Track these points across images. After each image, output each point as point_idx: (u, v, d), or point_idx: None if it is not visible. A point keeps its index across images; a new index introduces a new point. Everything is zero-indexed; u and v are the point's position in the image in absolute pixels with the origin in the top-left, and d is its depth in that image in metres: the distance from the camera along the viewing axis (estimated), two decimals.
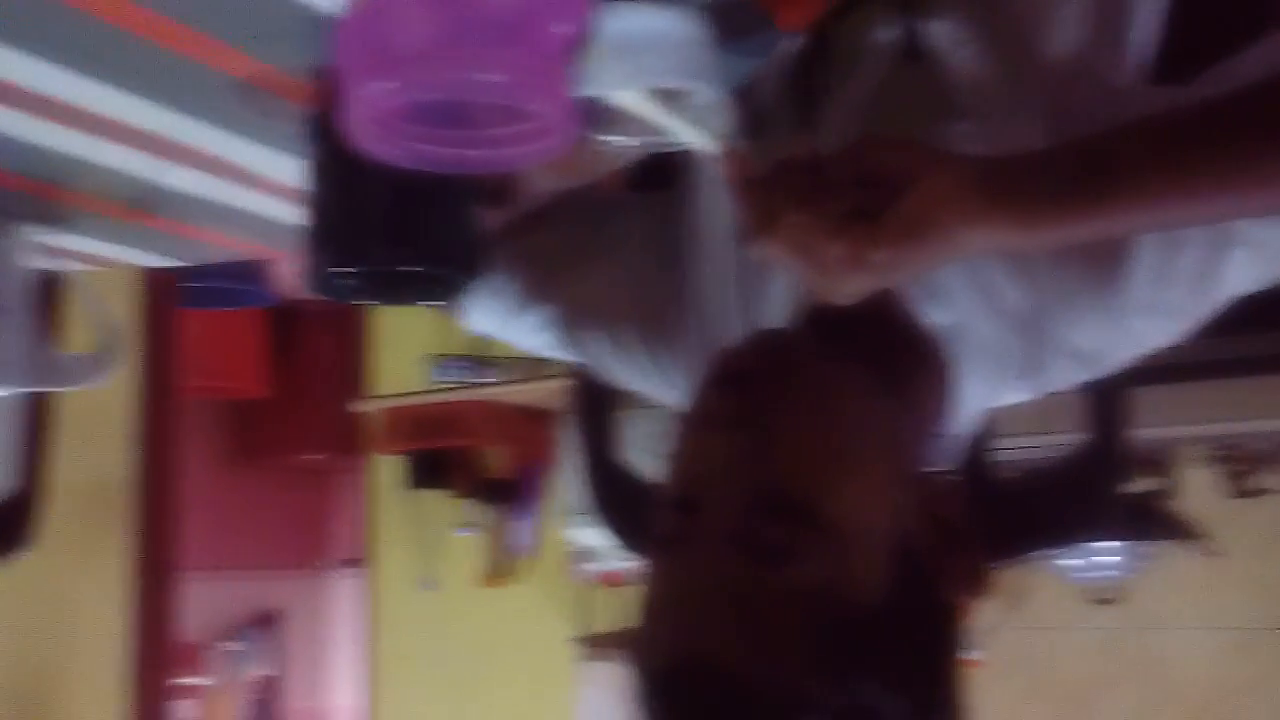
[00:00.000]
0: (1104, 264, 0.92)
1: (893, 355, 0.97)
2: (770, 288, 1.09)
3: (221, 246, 1.35)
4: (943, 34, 1.02)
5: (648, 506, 1.48)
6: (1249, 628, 2.93)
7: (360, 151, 0.72)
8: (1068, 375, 1.01)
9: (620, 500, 1.48)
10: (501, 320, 1.25)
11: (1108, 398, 1.31)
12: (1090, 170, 0.81)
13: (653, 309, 1.20)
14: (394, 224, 0.92)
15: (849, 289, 0.86)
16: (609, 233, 1.25)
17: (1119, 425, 1.33)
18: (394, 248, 0.93)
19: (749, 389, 0.88)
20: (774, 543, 0.81)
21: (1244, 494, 2.87)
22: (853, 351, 0.92)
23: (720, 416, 0.88)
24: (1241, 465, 2.86)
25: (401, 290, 1.04)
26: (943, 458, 1.03)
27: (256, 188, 1.15)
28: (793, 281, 1.06)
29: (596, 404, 1.55)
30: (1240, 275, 0.91)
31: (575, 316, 1.23)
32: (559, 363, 1.35)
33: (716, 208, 1.15)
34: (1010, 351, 0.99)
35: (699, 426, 0.90)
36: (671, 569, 0.86)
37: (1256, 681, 2.92)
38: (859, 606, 0.82)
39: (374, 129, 0.69)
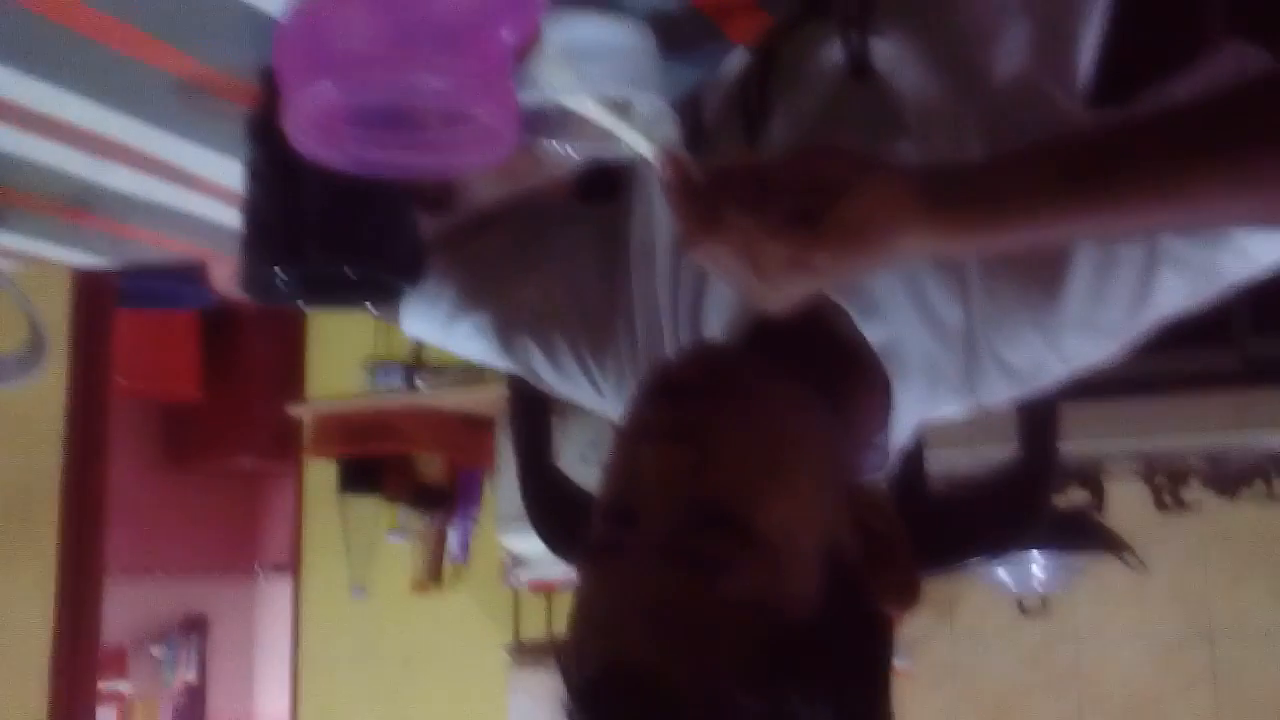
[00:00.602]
0: (1041, 282, 0.93)
1: (831, 369, 0.97)
2: (707, 300, 1.10)
3: (158, 247, 1.33)
4: (888, 53, 1.03)
5: (582, 514, 1.49)
6: (1173, 639, 2.99)
7: (300, 154, 0.72)
8: (1001, 391, 1.02)
9: (554, 507, 1.48)
10: (437, 326, 1.25)
11: (1040, 411, 1.32)
12: (1020, 180, 0.82)
13: (588, 318, 1.20)
14: (332, 227, 0.91)
15: (787, 293, 0.87)
16: (547, 241, 1.25)
17: (1051, 438, 1.34)
18: (331, 251, 0.92)
19: (687, 401, 0.88)
20: (708, 555, 0.81)
21: (1170, 508, 2.91)
22: (791, 365, 0.93)
23: (657, 428, 0.88)
24: (1167, 480, 2.90)
25: (339, 294, 1.04)
26: (877, 470, 1.04)
27: (195, 188, 1.14)
28: (730, 295, 1.06)
29: (532, 410, 1.54)
30: (1170, 295, 0.93)
31: (509, 324, 1.23)
32: (496, 369, 1.35)
33: (656, 218, 1.15)
34: (946, 367, 1.00)
35: (635, 437, 0.90)
36: (605, 579, 0.86)
37: (1179, 692, 2.97)
38: (791, 618, 0.82)
39: (315, 132, 0.69)
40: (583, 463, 2.63)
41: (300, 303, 1.02)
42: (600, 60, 0.82)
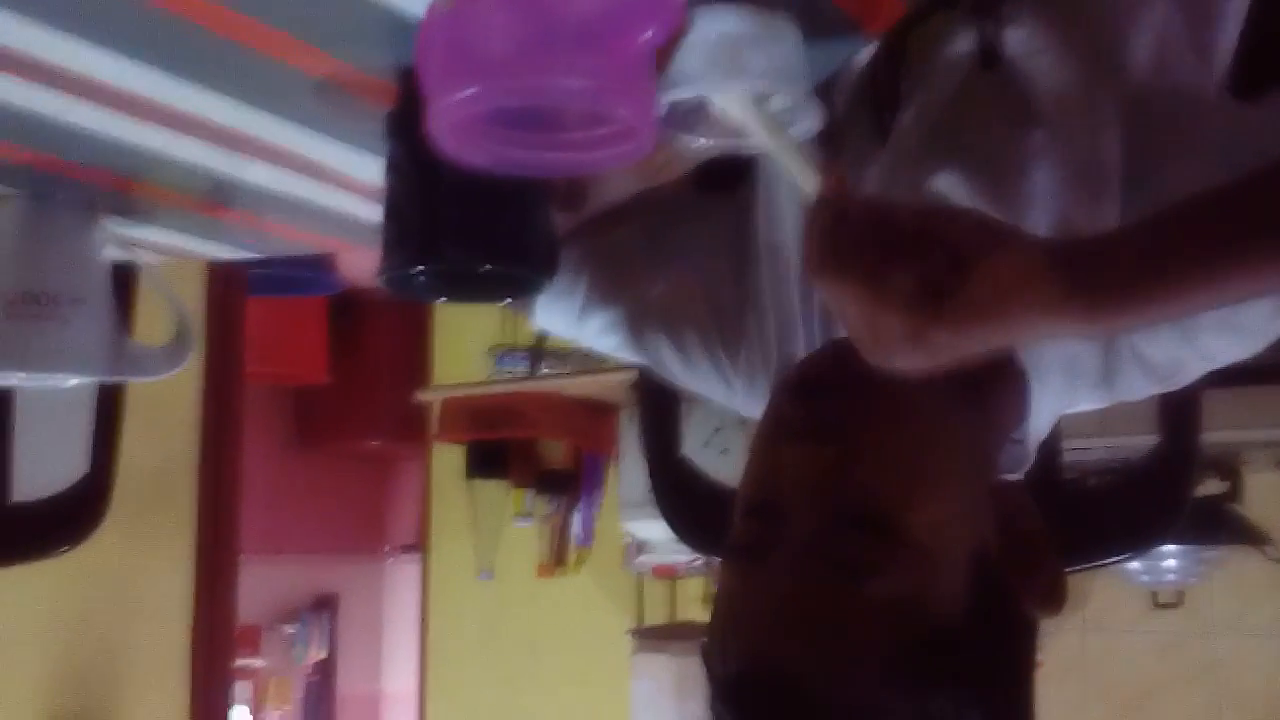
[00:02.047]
0: None
1: (970, 366, 0.96)
2: None
3: (294, 240, 1.36)
4: (1020, 41, 1.01)
5: (711, 504, 1.48)
6: None
7: (439, 152, 0.72)
8: (1141, 388, 0.99)
9: (684, 498, 1.48)
10: (570, 320, 1.25)
11: (1181, 401, 1.29)
12: (1161, 257, 0.75)
13: (719, 313, 1.20)
14: (470, 225, 0.92)
15: (903, 364, 0.82)
16: (678, 235, 1.24)
17: (1193, 430, 1.31)
18: (469, 248, 0.93)
19: (831, 399, 0.87)
20: (854, 557, 0.81)
21: None
22: None
23: (799, 427, 0.87)
24: None
25: (475, 289, 1.05)
26: (1018, 467, 1.02)
27: (332, 183, 1.16)
28: None
29: (660, 402, 1.55)
30: None
31: (640, 318, 1.23)
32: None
33: (783, 217, 1.14)
34: (1084, 362, 0.98)
35: (776, 436, 0.89)
36: (748, 578, 0.86)
37: None
38: (939, 621, 0.81)
39: (457, 133, 0.69)
40: (706, 449, 2.63)
41: (438, 297, 1.03)
42: (743, 53, 0.82)
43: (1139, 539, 1.37)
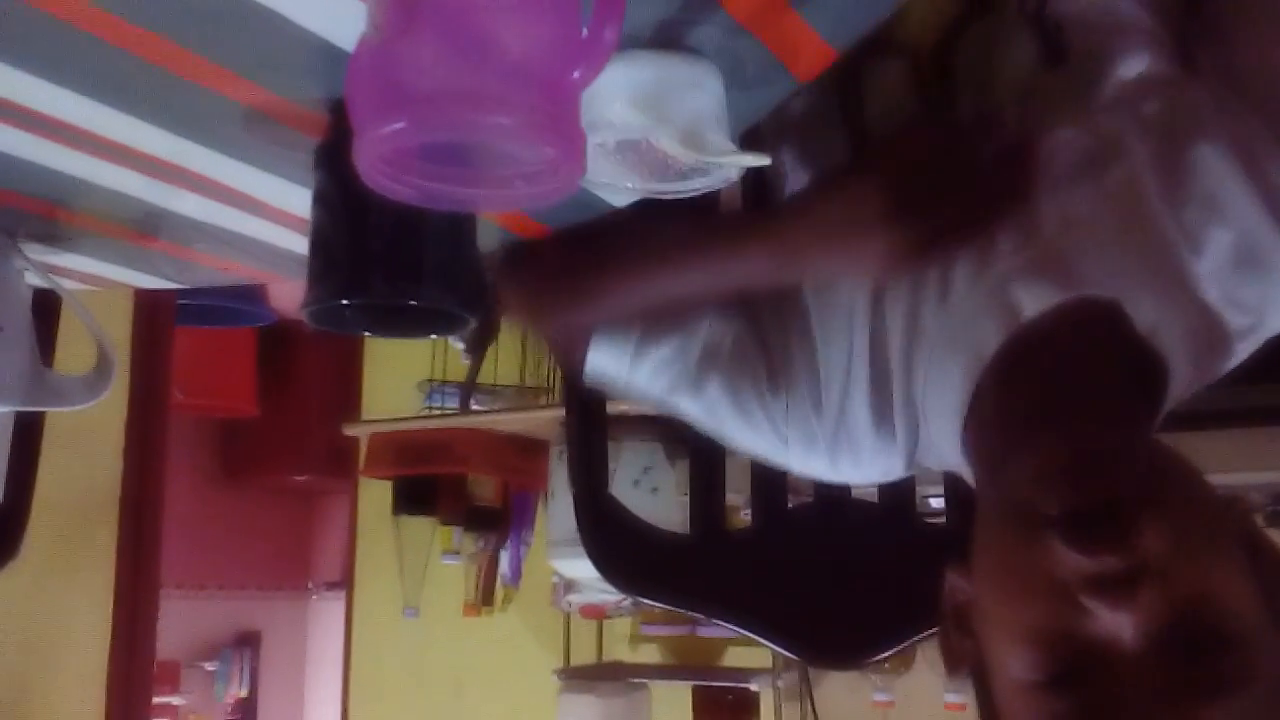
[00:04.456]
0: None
1: (1144, 392, 0.95)
2: (920, 345, 1.06)
3: (221, 270, 1.35)
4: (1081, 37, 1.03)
5: (637, 543, 1.48)
6: None
7: (367, 186, 0.72)
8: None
9: (607, 532, 1.48)
10: (622, 361, 1.19)
11: None
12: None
13: (768, 357, 1.17)
14: (397, 259, 0.92)
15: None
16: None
17: None
18: (395, 282, 0.93)
19: (1130, 533, 0.77)
20: (1209, 682, 0.75)
21: None
22: (1135, 411, 0.90)
23: (1111, 579, 0.76)
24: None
25: (403, 323, 1.04)
26: None
27: (261, 214, 1.15)
28: (957, 335, 1.03)
29: (588, 434, 1.55)
30: None
31: (696, 359, 1.17)
32: (548, 391, 1.34)
33: None
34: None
35: (1073, 590, 0.77)
36: None
37: None
38: None
39: (384, 167, 0.69)
40: (636, 489, 2.64)
41: (365, 331, 1.03)
42: (667, 98, 0.83)
43: None
